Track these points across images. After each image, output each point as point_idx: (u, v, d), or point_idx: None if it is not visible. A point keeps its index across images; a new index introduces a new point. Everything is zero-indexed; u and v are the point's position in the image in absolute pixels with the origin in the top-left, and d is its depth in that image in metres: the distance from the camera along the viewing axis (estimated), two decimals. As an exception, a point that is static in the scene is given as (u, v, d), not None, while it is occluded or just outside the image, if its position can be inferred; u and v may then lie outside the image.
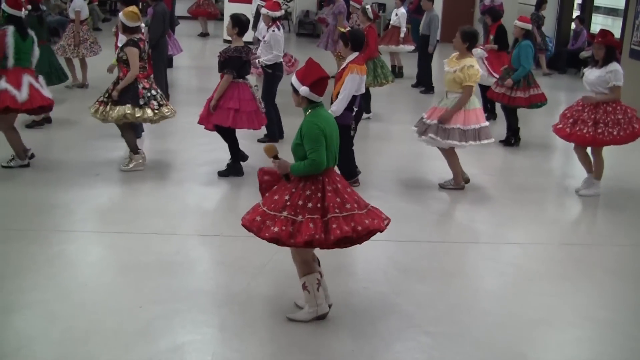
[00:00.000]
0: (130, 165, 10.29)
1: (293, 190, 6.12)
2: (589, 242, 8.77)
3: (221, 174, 10.20)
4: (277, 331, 6.23)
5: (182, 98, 14.83)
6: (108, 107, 9.95)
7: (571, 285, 7.45)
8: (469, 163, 10.88)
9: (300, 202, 6.05)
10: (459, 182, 10.24)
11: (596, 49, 9.99)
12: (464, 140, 9.78)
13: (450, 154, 10.15)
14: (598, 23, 22.34)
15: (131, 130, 10.45)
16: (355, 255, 7.81)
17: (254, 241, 7.79)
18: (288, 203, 6.07)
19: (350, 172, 9.65)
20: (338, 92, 9.42)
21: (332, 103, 9.40)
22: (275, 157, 6.25)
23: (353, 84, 9.38)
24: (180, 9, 23.39)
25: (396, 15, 18.71)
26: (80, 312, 6.34)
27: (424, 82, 17.77)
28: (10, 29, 10.03)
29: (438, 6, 26.40)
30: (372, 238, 6.41)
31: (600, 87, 9.91)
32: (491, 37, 14.35)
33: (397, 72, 19.06)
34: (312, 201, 6.05)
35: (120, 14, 10.21)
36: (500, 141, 12.71)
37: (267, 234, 6.06)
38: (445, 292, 7.08)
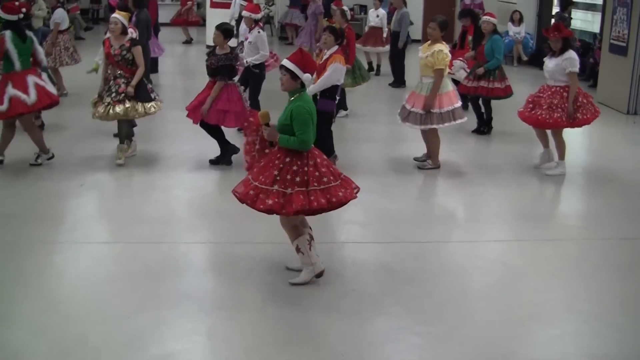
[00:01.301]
0: (129, 152, 11.07)
1: (281, 166, 6.72)
2: (574, 236, 8.78)
3: (212, 162, 10.90)
4: (265, 337, 6.21)
5: (167, 102, 14.79)
6: (127, 105, 10.45)
7: (558, 280, 7.47)
8: (449, 158, 11.33)
9: (288, 177, 6.68)
10: (436, 162, 11.04)
11: (554, 42, 10.67)
12: (441, 122, 10.58)
13: (433, 136, 10.87)
14: (578, 18, 22.45)
15: (128, 121, 11.00)
16: (343, 258, 7.85)
17: (240, 247, 7.86)
18: (278, 178, 6.69)
19: (329, 151, 10.24)
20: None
21: None
22: (267, 125, 6.88)
23: (336, 73, 10.13)
24: (163, 16, 23.50)
25: (377, 16, 18.85)
26: (69, 323, 6.30)
27: (396, 77, 18.23)
28: (8, 34, 10.21)
29: (419, 5, 26.52)
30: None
31: (558, 75, 10.66)
32: (470, 37, 14.41)
33: (376, 71, 19.65)
34: (299, 175, 6.70)
35: (119, 17, 10.56)
36: (473, 131, 13.39)
37: (261, 206, 6.67)
38: (433, 292, 7.08)
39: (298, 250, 7.04)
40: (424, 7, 27.07)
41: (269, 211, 6.68)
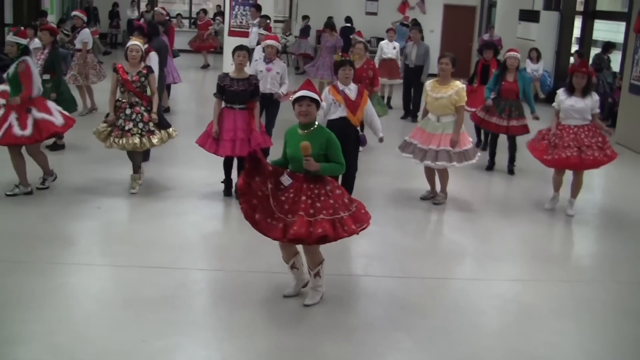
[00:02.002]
0: (140, 184, 10.83)
1: (312, 195, 6.94)
2: (589, 278, 8.76)
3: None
4: (279, 367, 6.22)
5: (181, 129, 14.87)
6: (160, 134, 10.52)
7: (572, 322, 7.45)
8: (461, 194, 11.48)
9: (318, 205, 6.91)
10: (445, 195, 11.14)
11: (579, 77, 10.57)
12: (463, 160, 10.68)
13: (445, 171, 10.92)
14: (596, 57, 22.46)
15: (143, 151, 10.86)
16: (355, 291, 7.85)
17: (254, 276, 7.87)
18: (318, 205, 6.91)
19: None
20: (359, 118, 10.15)
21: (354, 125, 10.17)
22: (308, 156, 6.88)
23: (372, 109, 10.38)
24: (179, 43, 23.68)
25: (394, 48, 18.98)
26: (84, 346, 6.32)
27: (412, 111, 18.29)
28: (29, 60, 10.19)
29: (436, 39, 26.63)
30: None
31: (586, 114, 10.58)
32: (494, 71, 14.42)
33: (388, 104, 19.57)
34: (332, 199, 6.99)
35: (139, 44, 10.56)
36: (487, 168, 13.46)
37: (320, 230, 6.80)
38: (447, 329, 7.06)
39: (317, 274, 7.27)
40: (441, 42, 27.19)
41: (324, 239, 6.85)
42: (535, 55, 21.68)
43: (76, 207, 9.92)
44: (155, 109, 10.46)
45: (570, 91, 10.62)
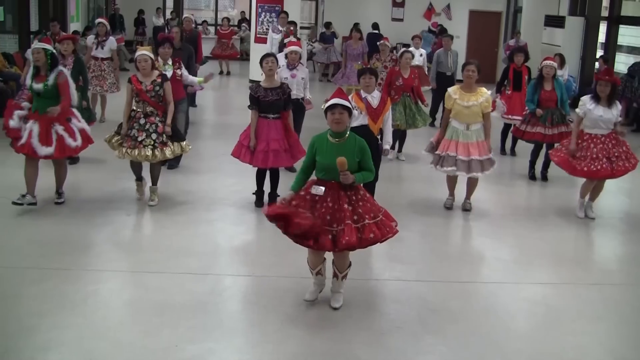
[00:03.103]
0: (157, 200, 10.60)
1: (352, 201, 7.06)
2: (616, 281, 8.76)
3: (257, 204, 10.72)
4: (311, 371, 6.28)
5: (207, 137, 15.02)
6: (172, 146, 10.27)
7: (601, 324, 7.46)
8: (487, 198, 11.51)
9: (360, 210, 7.07)
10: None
11: (604, 86, 10.58)
12: (490, 167, 10.72)
13: (476, 180, 10.93)
14: (621, 62, 22.41)
15: (161, 163, 10.71)
16: (386, 295, 7.89)
17: (286, 281, 7.92)
18: (360, 211, 7.04)
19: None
20: (379, 126, 10.14)
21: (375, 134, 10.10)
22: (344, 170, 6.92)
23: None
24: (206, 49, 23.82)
25: (420, 55, 18.99)
26: (117, 351, 6.40)
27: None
28: (64, 69, 10.20)
29: (462, 45, 26.62)
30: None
31: (611, 124, 10.62)
32: (526, 77, 14.43)
33: None
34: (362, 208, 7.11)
35: (148, 53, 10.40)
36: (531, 177, 13.30)
37: (371, 239, 7.03)
38: (477, 332, 7.10)
39: (345, 277, 7.43)
40: (467, 49, 27.17)
41: (374, 243, 7.08)
42: (559, 60, 21.64)
43: (104, 216, 9.98)
44: (169, 120, 10.29)
45: (596, 99, 10.59)
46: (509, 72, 15.02)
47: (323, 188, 7.04)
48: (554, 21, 24.22)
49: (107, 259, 8.66)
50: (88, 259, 8.54)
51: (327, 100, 7.23)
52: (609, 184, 11.18)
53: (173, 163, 12.16)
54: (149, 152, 10.09)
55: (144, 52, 10.40)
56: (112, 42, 16.12)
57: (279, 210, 6.90)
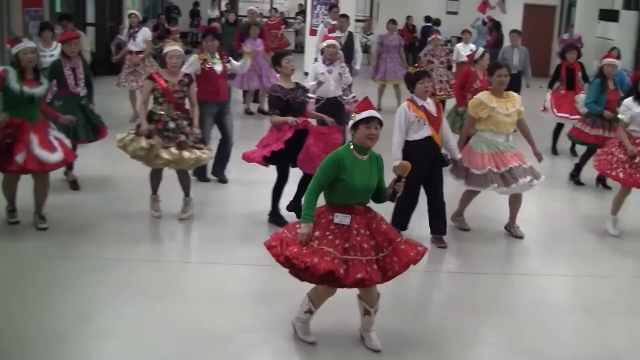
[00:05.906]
0: (190, 212, 9.78)
1: (370, 226, 6.21)
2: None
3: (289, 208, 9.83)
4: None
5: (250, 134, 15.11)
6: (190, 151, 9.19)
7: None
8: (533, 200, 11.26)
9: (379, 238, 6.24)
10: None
11: None
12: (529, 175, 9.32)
13: (520, 197, 9.66)
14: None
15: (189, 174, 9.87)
16: (436, 287, 8.02)
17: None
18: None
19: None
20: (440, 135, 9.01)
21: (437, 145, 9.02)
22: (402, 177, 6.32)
23: None
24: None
25: (470, 50, 18.03)
26: (173, 340, 6.51)
27: None
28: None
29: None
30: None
31: None
32: (579, 74, 14.17)
33: None
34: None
35: (179, 49, 9.48)
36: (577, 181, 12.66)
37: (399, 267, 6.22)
38: (530, 324, 7.16)
39: (376, 310, 6.49)
40: (522, 42, 26.91)
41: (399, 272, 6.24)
42: (615, 54, 21.42)
43: (162, 206, 9.88)
44: (196, 122, 9.40)
45: (638, 98, 9.72)
46: (561, 70, 14.42)
47: (349, 216, 6.14)
48: (608, 15, 24.05)
49: (164, 250, 8.89)
50: (146, 250, 8.67)
51: (357, 111, 6.25)
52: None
53: (203, 174, 11.29)
54: (192, 154, 9.18)
55: (175, 47, 9.46)
56: (144, 33, 15.52)
57: (300, 257, 6.12)
